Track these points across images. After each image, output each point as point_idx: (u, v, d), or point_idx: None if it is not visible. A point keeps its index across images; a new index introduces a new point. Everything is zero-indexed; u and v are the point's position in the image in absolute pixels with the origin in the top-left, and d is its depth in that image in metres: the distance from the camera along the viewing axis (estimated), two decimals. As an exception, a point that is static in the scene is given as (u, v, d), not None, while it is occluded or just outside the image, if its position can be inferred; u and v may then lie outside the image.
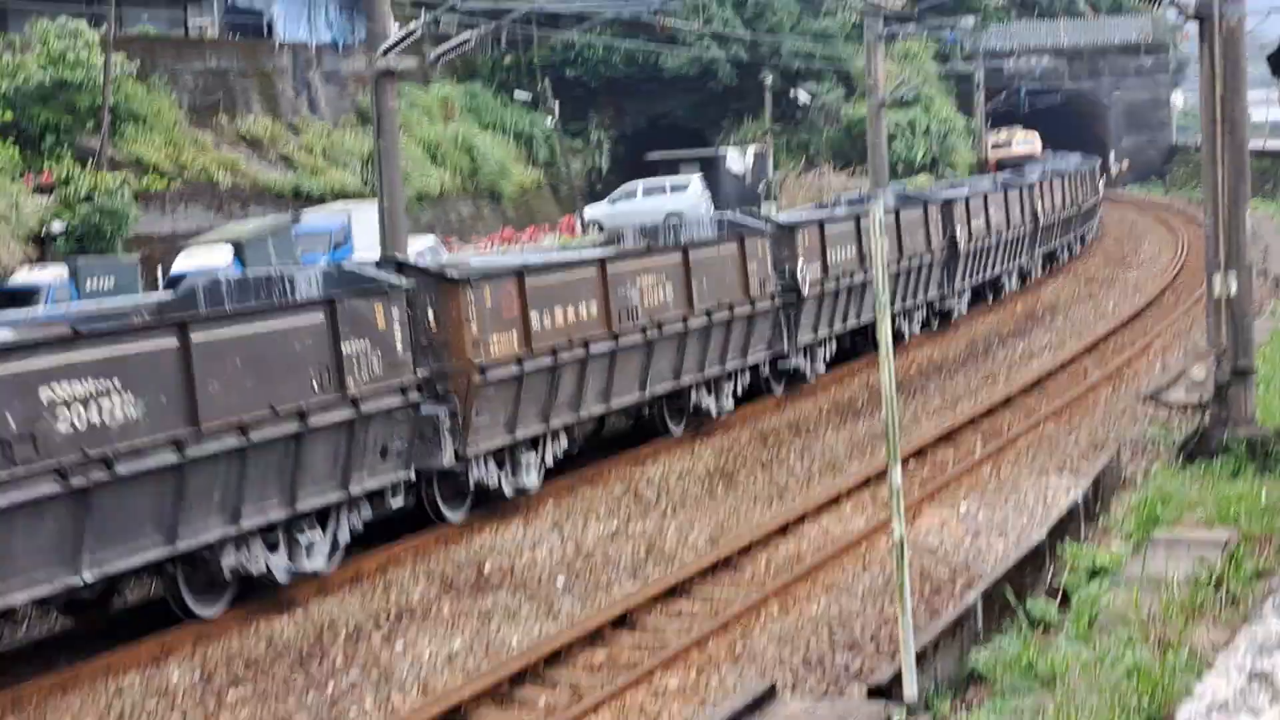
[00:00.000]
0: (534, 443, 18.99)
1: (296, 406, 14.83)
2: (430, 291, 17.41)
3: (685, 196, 55.44)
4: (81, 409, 12.77)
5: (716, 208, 58.13)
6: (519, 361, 18.24)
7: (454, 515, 17.95)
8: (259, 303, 15.64)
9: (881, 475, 18.84)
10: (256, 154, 47.67)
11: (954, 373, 27.96)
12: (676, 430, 22.51)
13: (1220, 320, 18.24)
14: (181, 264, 35.55)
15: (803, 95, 66.25)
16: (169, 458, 13.51)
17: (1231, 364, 18.16)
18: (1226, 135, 18.11)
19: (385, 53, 23.85)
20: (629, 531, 17.62)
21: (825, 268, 26.36)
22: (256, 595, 15.26)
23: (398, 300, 16.46)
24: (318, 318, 15.42)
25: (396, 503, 16.82)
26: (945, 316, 33.98)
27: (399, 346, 16.36)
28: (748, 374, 24.30)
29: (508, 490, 18.47)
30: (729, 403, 23.64)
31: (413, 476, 16.83)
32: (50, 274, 33.32)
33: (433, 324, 17.42)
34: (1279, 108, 69.98)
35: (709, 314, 22.28)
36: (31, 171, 38.71)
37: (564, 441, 19.70)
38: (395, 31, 25.24)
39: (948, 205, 33.39)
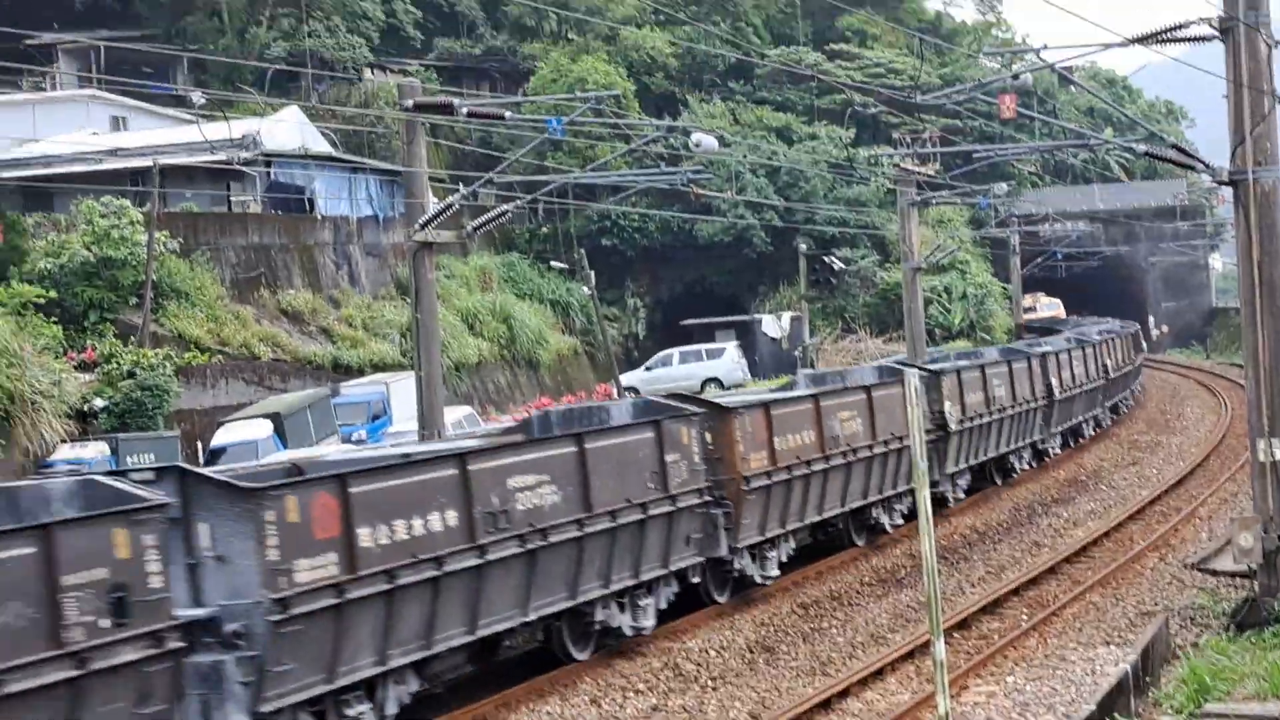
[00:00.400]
0: (773, 541, 23.16)
1: (641, 500, 19.49)
2: (711, 418, 21.52)
3: (721, 362, 55.59)
4: (530, 494, 17.48)
5: (753, 374, 58.25)
6: (768, 474, 22.65)
7: (720, 598, 22.18)
8: (620, 422, 20.71)
9: (925, 646, 18.51)
10: (297, 327, 48.13)
11: (998, 540, 27.62)
12: (860, 540, 26.85)
13: (1266, 486, 17.99)
14: (221, 438, 35.74)
15: (837, 261, 66.68)
16: (574, 532, 18.16)
17: (1279, 531, 17.86)
18: (1265, 299, 18.04)
19: (423, 226, 24.15)
20: (669, 707, 17.29)
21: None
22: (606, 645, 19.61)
23: (696, 423, 20.87)
24: (649, 435, 19.98)
25: (695, 579, 21.18)
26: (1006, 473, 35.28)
27: (697, 459, 20.79)
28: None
29: (758, 577, 22.71)
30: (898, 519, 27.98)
31: (703, 560, 21.05)
32: (91, 451, 33.52)
33: (710, 444, 21.48)
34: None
35: (885, 443, 26.83)
36: (74, 349, 39.15)
37: (792, 543, 24.02)
38: (433, 205, 25.60)
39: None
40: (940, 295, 68.38)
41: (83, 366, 38.61)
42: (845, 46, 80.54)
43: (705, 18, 76.06)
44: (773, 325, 64.19)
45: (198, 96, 55.51)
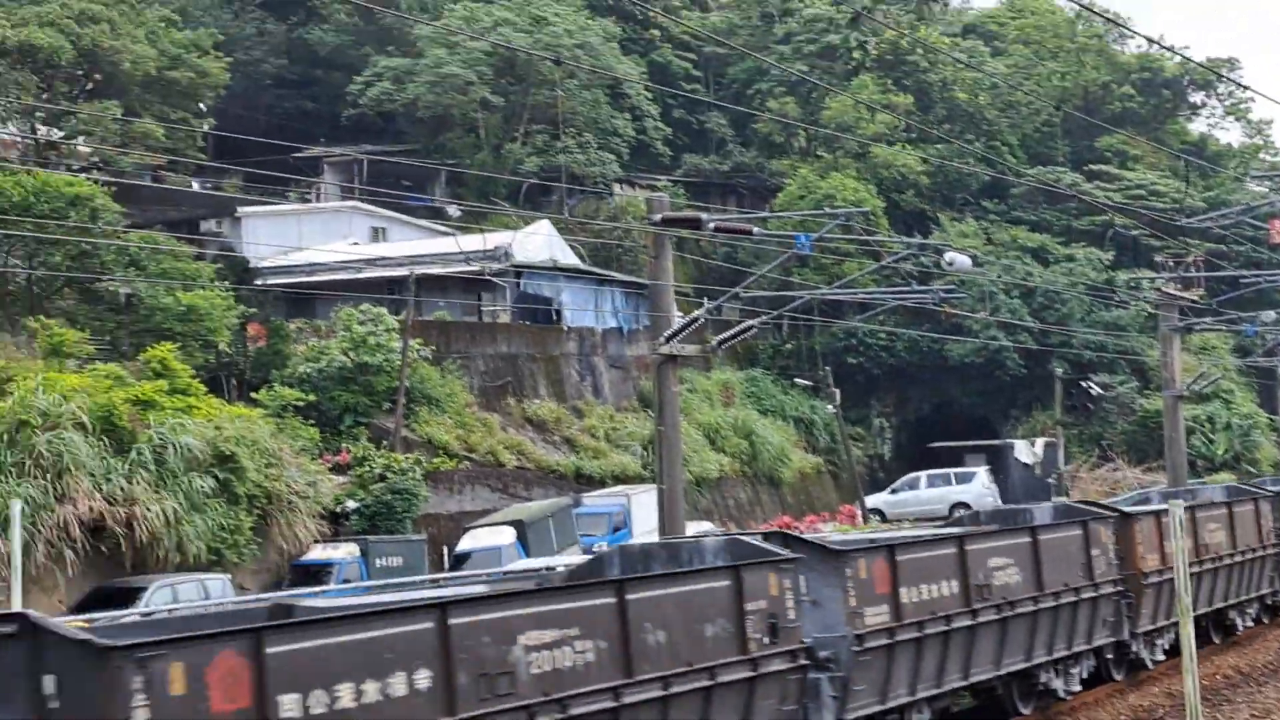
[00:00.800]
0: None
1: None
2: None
3: (971, 487, 54.26)
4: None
5: (1004, 500, 56.72)
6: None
7: None
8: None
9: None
10: (541, 436, 48.64)
11: (1263, 683, 25.98)
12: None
13: None
14: (467, 543, 36.15)
15: (1095, 386, 64.79)
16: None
17: None
18: None
19: (668, 340, 24.08)
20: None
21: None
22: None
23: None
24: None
25: None
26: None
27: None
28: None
29: None
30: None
31: None
32: (343, 551, 34.23)
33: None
34: None
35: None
36: (329, 451, 40.15)
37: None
38: (678, 319, 25.54)
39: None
40: (1203, 425, 65.78)
41: (336, 469, 39.55)
42: (1105, 167, 78.88)
43: (959, 135, 75.42)
44: (1025, 450, 62.55)
45: (453, 209, 57.15)
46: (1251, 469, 63.69)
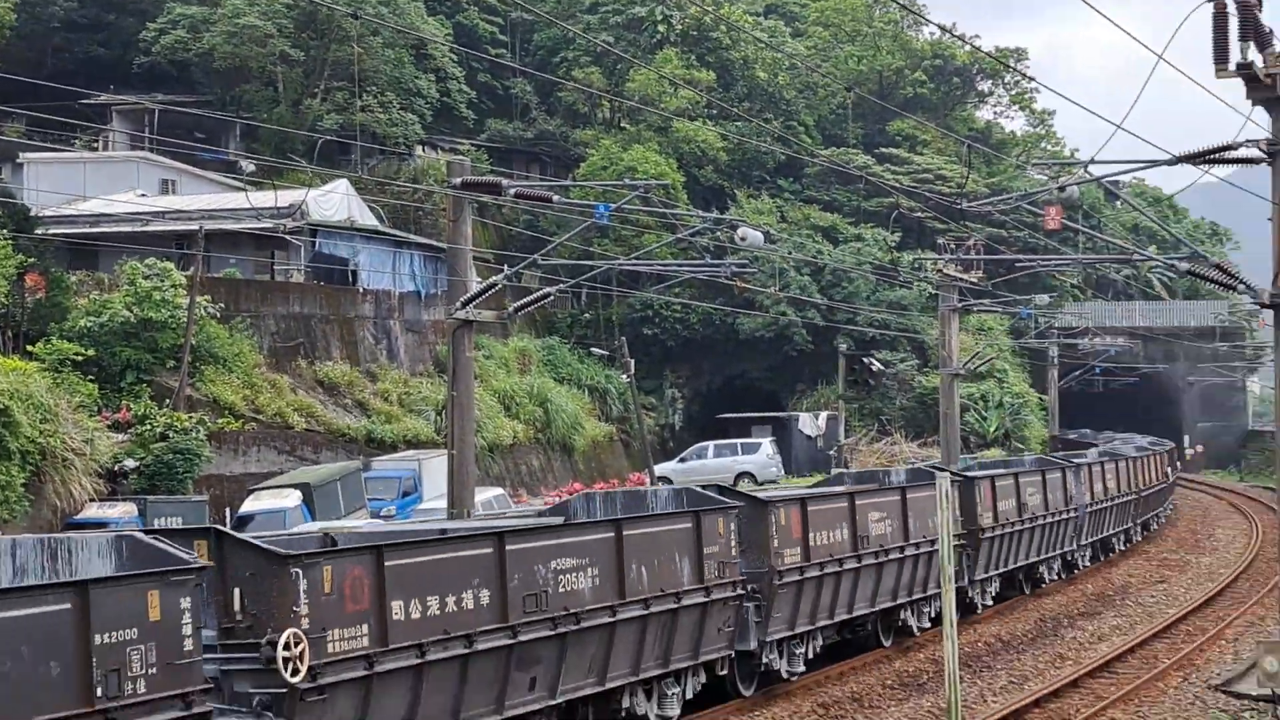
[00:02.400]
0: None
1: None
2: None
3: (756, 458, 55.55)
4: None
5: (787, 470, 58.11)
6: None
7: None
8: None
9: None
10: (332, 399, 48.35)
11: (1022, 650, 27.35)
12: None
13: (1295, 612, 17.80)
14: (250, 505, 35.80)
15: (877, 363, 66.69)
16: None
17: (1307, 657, 17.63)
18: (1301, 423, 17.95)
19: (465, 305, 24.30)
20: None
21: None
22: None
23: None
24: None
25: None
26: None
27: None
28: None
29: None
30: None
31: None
32: (119, 511, 33.66)
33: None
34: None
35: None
36: (109, 408, 39.37)
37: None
38: (476, 284, 25.76)
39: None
40: (977, 403, 68.23)
41: (116, 426, 38.82)
42: (895, 151, 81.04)
43: (757, 114, 76.73)
44: (809, 423, 64.13)
45: (248, 164, 56.26)
46: (1021, 445, 66.33)
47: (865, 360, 66.18)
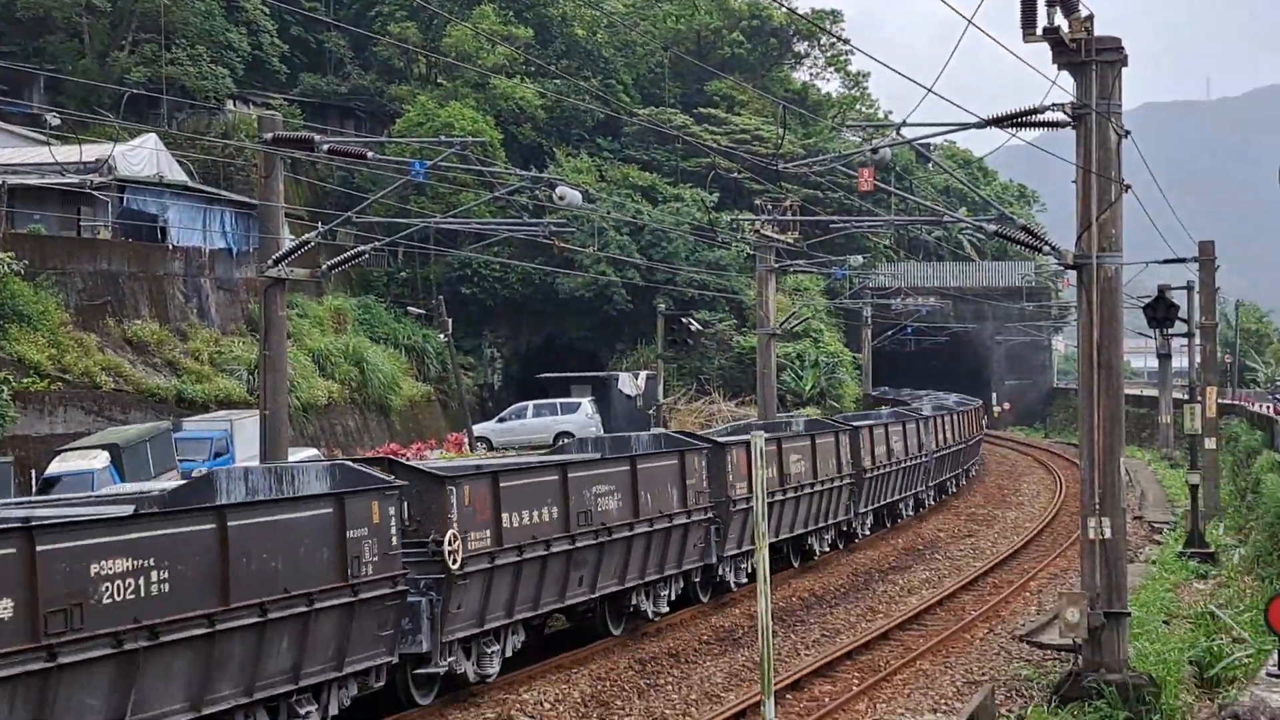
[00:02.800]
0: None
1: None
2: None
3: (575, 417, 55.62)
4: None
5: (607, 430, 58.32)
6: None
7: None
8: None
9: (758, 706, 18.59)
10: (142, 358, 47.19)
11: (834, 605, 27.88)
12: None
13: (1095, 564, 18.39)
14: (56, 467, 34.79)
15: (695, 323, 67.18)
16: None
17: (1105, 608, 18.25)
18: (1103, 381, 18.50)
19: (277, 262, 23.88)
20: (497, 759, 17.14)
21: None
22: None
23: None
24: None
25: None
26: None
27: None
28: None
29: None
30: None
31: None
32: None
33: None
34: (1154, 356, 71.90)
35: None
36: (-93, 366, 37.96)
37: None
38: (289, 242, 25.32)
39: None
40: (793, 362, 69.20)
41: (-86, 386, 37.42)
42: (713, 111, 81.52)
43: (576, 72, 76.54)
44: (629, 383, 64.37)
45: (52, 117, 54.45)
46: (836, 404, 67.49)
47: (684, 320, 66.56)
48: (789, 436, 31.91)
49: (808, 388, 69.13)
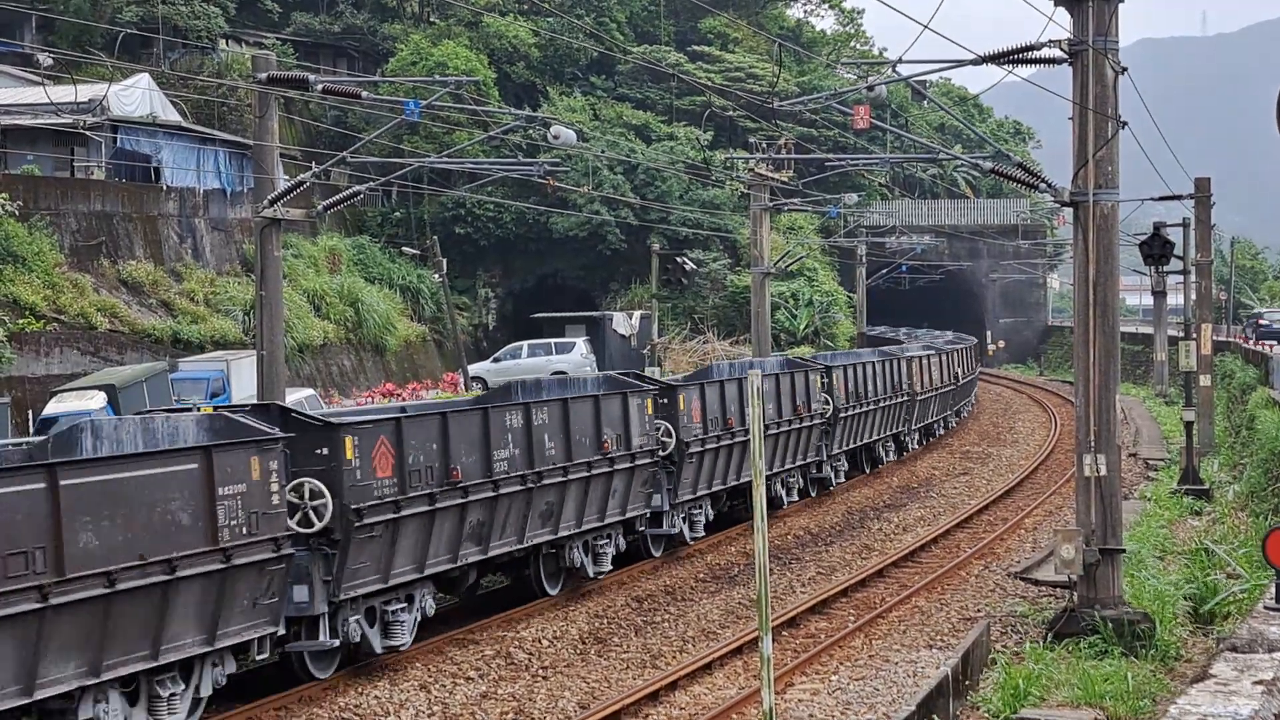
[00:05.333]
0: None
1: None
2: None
3: (570, 357, 55.65)
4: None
5: (601, 369, 58.38)
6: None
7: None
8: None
9: (754, 643, 18.74)
10: (137, 299, 47.15)
11: (830, 543, 28.04)
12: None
13: (1090, 500, 18.50)
14: (53, 408, 34.82)
15: (689, 262, 67.11)
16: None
17: (1100, 544, 18.37)
18: (1099, 319, 18.54)
19: (273, 203, 23.83)
20: (498, 694, 17.29)
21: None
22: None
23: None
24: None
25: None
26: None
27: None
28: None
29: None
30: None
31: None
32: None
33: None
34: (1150, 294, 71.95)
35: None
36: (-97, 307, 37.93)
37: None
38: (283, 182, 25.26)
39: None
40: (788, 301, 69.19)
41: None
42: (707, 49, 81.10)
43: (569, 10, 76.07)
44: (623, 322, 64.38)
45: (45, 57, 54.09)
46: (830, 343, 67.54)
47: (678, 259, 66.52)
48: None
49: (802, 327, 69.16)
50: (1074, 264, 19.19)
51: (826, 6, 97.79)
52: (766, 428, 28.69)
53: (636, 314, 64.50)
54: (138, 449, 14.82)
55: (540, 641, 19.83)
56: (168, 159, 52.17)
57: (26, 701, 13.05)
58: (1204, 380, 37.60)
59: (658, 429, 24.97)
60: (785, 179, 47.35)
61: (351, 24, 74.79)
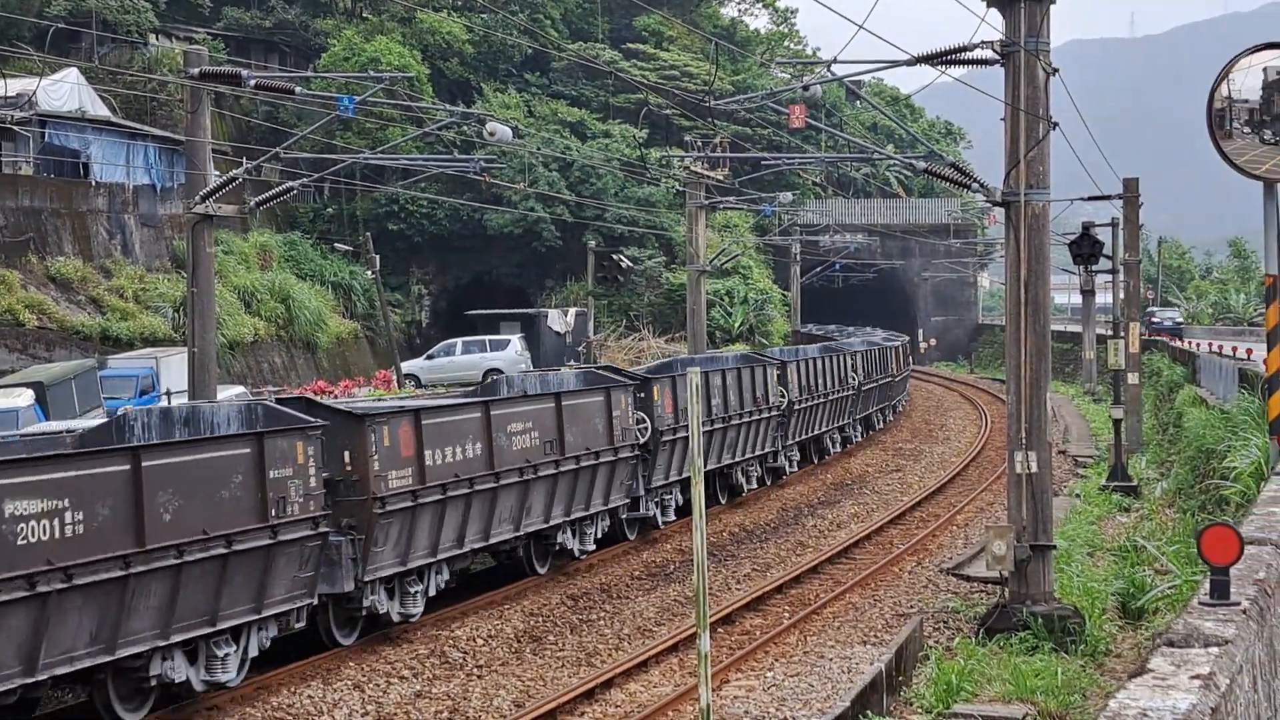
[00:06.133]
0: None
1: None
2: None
3: (504, 354, 55.55)
4: None
5: (536, 366, 58.32)
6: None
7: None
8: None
9: (690, 640, 18.79)
10: (65, 296, 46.65)
11: (765, 540, 28.14)
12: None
13: (1021, 497, 18.67)
14: (-22, 404, 34.40)
15: (625, 259, 67.19)
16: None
17: (1031, 540, 18.55)
18: (1030, 317, 18.71)
19: (204, 199, 23.65)
20: (433, 693, 17.24)
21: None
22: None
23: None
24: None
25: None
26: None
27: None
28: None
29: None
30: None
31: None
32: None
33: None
34: (1079, 292, 72.73)
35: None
36: None
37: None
38: (215, 178, 25.06)
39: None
40: (723, 299, 69.40)
41: None
42: (642, 46, 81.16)
43: (504, 6, 75.92)
44: (558, 319, 64.36)
45: (-29, 50, 53.37)
46: (764, 341, 67.82)
47: (614, 257, 66.62)
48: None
49: (737, 324, 69.40)
50: (1006, 263, 19.36)
51: (760, 5, 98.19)
52: (729, 418, 31.08)
53: (572, 311, 64.50)
54: (187, 435, 16.95)
55: (475, 640, 19.79)
56: (97, 154, 51.64)
57: (109, 660, 14.53)
58: (1132, 378, 38.03)
59: (639, 421, 26.72)
60: (721, 177, 47.47)
61: (283, 19, 74.27)
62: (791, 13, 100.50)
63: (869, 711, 14.83)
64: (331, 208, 68.08)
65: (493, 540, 21.74)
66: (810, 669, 17.89)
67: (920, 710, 15.54)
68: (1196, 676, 4.57)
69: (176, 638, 15.36)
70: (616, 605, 22.14)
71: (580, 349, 60.98)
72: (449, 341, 58.87)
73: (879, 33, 19.14)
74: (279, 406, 18.34)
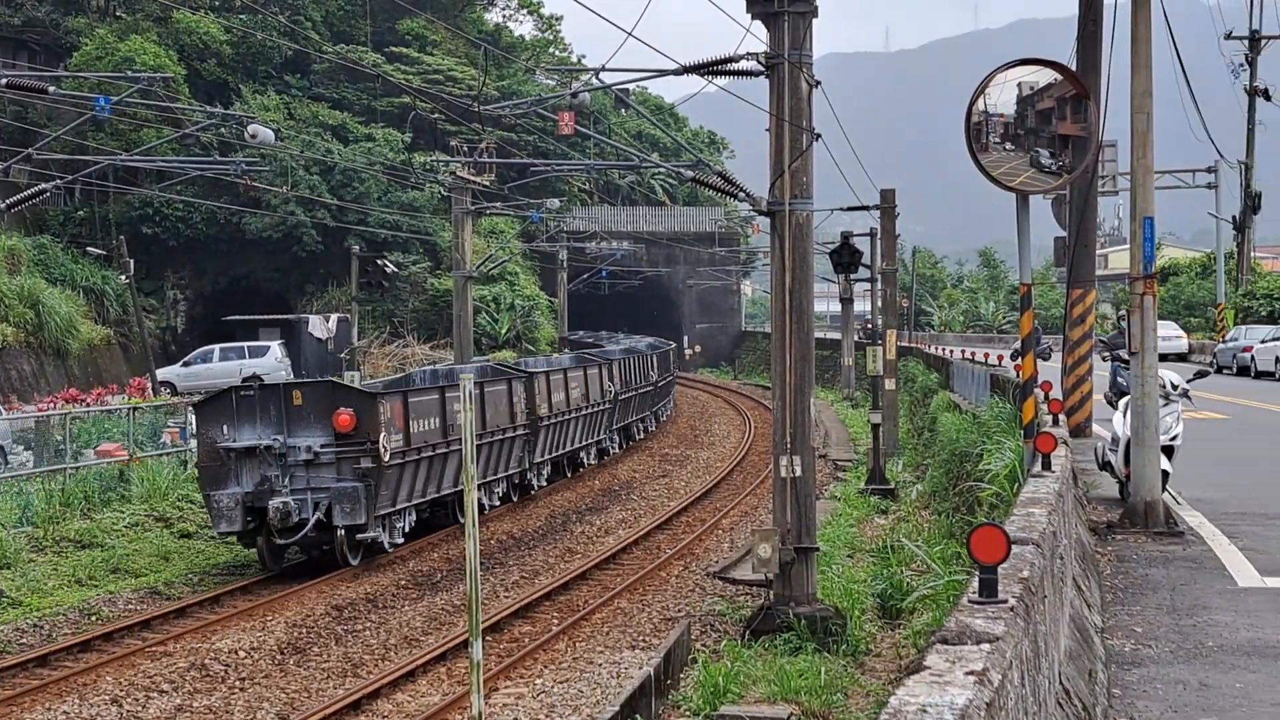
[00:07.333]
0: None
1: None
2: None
3: (264, 361, 54.46)
4: None
5: (297, 374, 57.33)
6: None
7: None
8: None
9: (458, 649, 18.65)
10: None
11: (533, 547, 28.13)
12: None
13: (786, 501, 19.02)
14: None
15: (390, 265, 66.50)
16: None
17: (795, 543, 18.91)
18: (795, 324, 19.08)
19: (-52, 199, 22.63)
20: (194, 707, 16.79)
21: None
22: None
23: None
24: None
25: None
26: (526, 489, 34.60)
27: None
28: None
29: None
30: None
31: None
32: None
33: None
34: (838, 300, 74.47)
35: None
36: None
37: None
38: (-40, 178, 24.05)
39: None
40: (489, 305, 69.20)
41: None
42: (405, 50, 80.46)
43: (263, 6, 74.49)
44: (319, 325, 63.33)
45: None
46: (531, 348, 67.85)
47: (378, 262, 65.86)
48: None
49: (504, 331, 69.28)
50: (771, 271, 19.70)
51: (525, 12, 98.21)
52: (568, 411, 37.12)
53: (334, 317, 63.57)
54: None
55: (237, 652, 19.35)
56: None
57: (423, 501, 26.89)
58: (889, 384, 39.08)
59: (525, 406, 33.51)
60: (487, 183, 47.34)
61: (33, 16, 71.61)
62: (557, 19, 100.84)
63: (638, 716, 14.92)
64: (83, 210, 65.89)
65: (443, 493, 28.18)
66: (579, 675, 17.94)
67: (688, 713, 15.70)
68: (971, 673, 4.70)
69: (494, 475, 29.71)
70: (382, 615, 21.88)
71: (344, 355, 60.11)
72: (206, 348, 57.49)
73: (647, 40, 19.31)
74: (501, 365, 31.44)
